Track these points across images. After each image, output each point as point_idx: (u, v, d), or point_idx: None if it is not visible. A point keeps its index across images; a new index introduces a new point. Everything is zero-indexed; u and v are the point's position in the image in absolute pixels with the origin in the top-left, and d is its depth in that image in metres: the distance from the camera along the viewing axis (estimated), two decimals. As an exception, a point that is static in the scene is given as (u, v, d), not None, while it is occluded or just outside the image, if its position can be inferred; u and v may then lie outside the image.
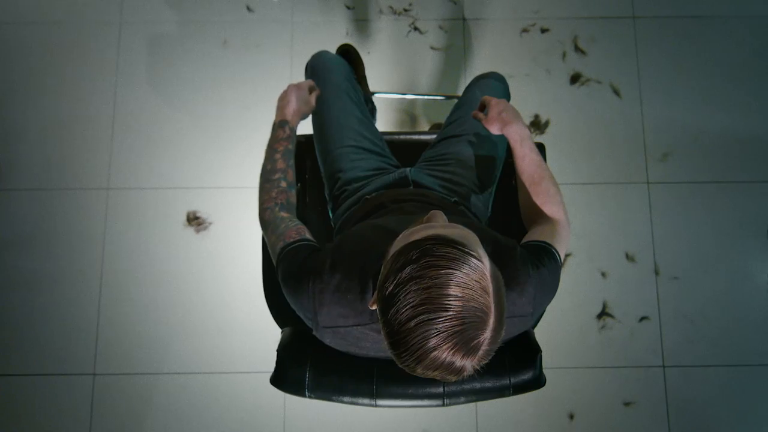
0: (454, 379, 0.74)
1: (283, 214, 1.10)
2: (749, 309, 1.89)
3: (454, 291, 0.70)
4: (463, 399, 0.99)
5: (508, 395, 0.99)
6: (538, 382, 1.01)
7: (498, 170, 1.34)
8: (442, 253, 0.72)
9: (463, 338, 0.70)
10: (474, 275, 0.71)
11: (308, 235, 1.04)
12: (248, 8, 2.08)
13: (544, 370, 1.03)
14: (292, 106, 1.22)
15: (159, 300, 1.88)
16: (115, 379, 1.84)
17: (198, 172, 1.96)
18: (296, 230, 1.05)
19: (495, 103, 1.20)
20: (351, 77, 1.40)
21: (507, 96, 1.41)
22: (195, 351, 1.85)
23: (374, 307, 0.82)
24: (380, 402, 0.99)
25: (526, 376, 1.00)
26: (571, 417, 1.82)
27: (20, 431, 1.82)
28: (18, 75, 2.03)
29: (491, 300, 0.72)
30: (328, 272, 0.94)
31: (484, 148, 1.32)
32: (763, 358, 1.86)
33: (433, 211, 0.85)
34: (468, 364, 0.72)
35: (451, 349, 0.70)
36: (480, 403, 1.82)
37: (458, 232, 0.77)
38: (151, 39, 2.06)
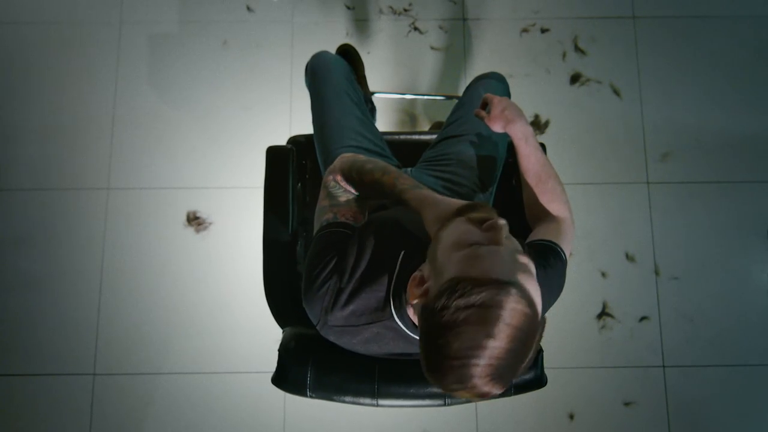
0: (478, 401, 0.77)
1: (343, 189, 1.05)
2: (749, 309, 1.89)
3: (503, 338, 0.71)
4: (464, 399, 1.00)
5: (510, 395, 0.99)
6: (539, 381, 1.01)
7: (499, 170, 1.34)
8: (504, 299, 0.72)
9: (506, 372, 0.73)
10: (525, 323, 0.73)
11: (358, 223, 1.02)
12: (248, 8, 2.08)
13: (544, 370, 1.03)
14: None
15: (159, 300, 1.88)
16: (115, 379, 1.84)
17: (198, 172, 1.96)
18: (349, 207, 1.02)
19: (497, 101, 1.18)
20: (350, 77, 1.40)
21: (507, 95, 1.40)
22: (195, 351, 1.85)
23: (415, 301, 0.81)
24: (382, 402, 0.99)
25: (528, 375, 1.00)
26: (571, 417, 1.82)
27: (20, 431, 1.82)
28: (18, 75, 2.03)
29: (534, 343, 0.74)
30: (349, 273, 0.94)
31: (485, 148, 1.32)
32: (763, 358, 1.86)
33: (496, 218, 0.82)
34: (497, 391, 0.74)
35: (488, 383, 0.72)
36: (480, 403, 1.82)
37: (521, 263, 0.77)
38: (151, 39, 2.06)
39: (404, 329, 0.90)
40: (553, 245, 1.02)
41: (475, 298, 0.72)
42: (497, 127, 1.18)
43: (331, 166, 1.09)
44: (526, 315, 0.72)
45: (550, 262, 0.99)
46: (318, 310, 0.95)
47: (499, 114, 1.18)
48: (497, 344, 0.71)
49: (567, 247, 1.05)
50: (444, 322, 0.72)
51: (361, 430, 1.80)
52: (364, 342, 0.95)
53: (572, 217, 1.12)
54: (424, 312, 0.76)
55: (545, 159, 1.15)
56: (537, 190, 1.13)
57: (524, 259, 0.78)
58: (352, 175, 1.04)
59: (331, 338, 0.97)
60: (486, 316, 0.71)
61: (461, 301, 0.72)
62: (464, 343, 0.71)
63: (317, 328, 0.97)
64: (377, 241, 0.98)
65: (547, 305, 0.98)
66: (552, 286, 0.98)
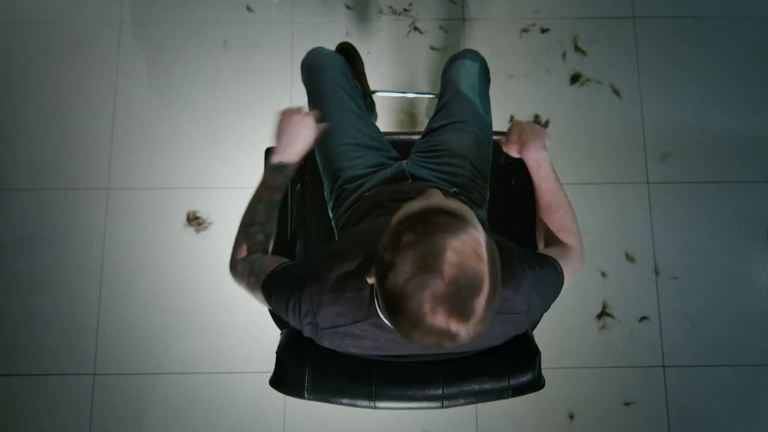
0: (449, 345, 0.75)
1: (255, 256, 1.07)
2: (749, 309, 1.89)
3: (449, 256, 0.72)
4: (462, 401, 0.99)
5: (507, 397, 0.99)
6: (537, 384, 1.00)
7: (489, 151, 1.35)
8: (439, 222, 0.74)
9: (458, 302, 0.72)
10: (469, 242, 0.73)
11: (286, 260, 1.03)
12: (248, 8, 2.08)
13: (544, 371, 1.03)
14: (298, 147, 1.14)
15: (159, 300, 1.88)
16: (115, 379, 1.84)
17: (198, 172, 1.96)
18: (273, 260, 1.03)
19: (516, 125, 1.20)
20: (346, 71, 1.40)
21: (485, 70, 1.40)
22: (195, 351, 1.85)
23: (372, 280, 0.83)
24: (379, 404, 0.99)
25: (525, 378, 1.00)
26: (571, 417, 1.82)
27: (20, 431, 1.82)
28: (18, 75, 2.03)
29: (486, 266, 0.74)
30: (324, 272, 0.94)
31: (471, 132, 1.32)
32: (763, 358, 1.86)
33: (430, 189, 0.85)
34: (462, 330, 0.73)
35: (446, 313, 0.72)
36: (480, 404, 1.82)
37: (456, 205, 0.79)
38: (151, 39, 2.06)
39: (388, 324, 0.90)
40: (553, 260, 1.01)
41: (403, 226, 0.75)
42: (513, 152, 1.19)
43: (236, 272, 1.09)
44: (465, 243, 0.73)
45: (543, 266, 0.99)
46: (310, 318, 0.95)
47: (516, 140, 1.18)
48: (438, 278, 0.71)
49: (568, 271, 1.03)
50: (387, 262, 0.74)
51: (361, 430, 1.81)
52: (357, 340, 0.95)
53: (582, 249, 1.11)
54: (375, 268, 0.78)
55: (557, 189, 1.14)
56: (546, 219, 1.14)
57: (457, 202, 0.80)
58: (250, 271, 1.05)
59: (326, 343, 0.97)
60: (420, 239, 0.73)
61: (394, 234, 0.75)
62: (406, 267, 0.72)
63: (314, 339, 0.97)
64: (357, 244, 0.99)
65: (535, 307, 0.97)
66: (541, 287, 0.97)
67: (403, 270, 0.72)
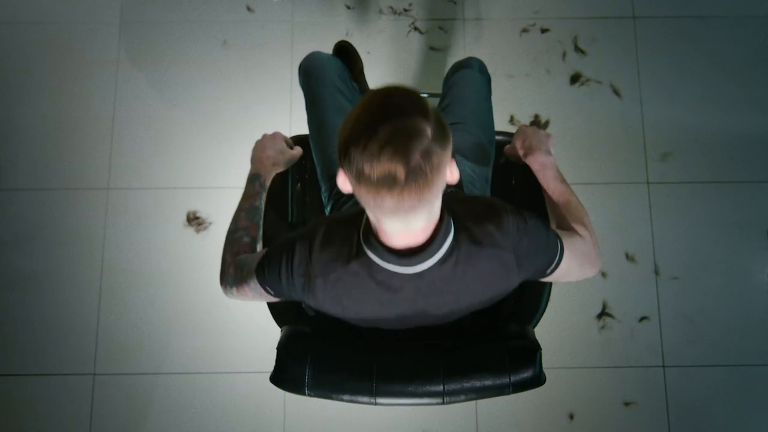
0: (395, 189, 0.77)
1: (243, 256, 1.09)
2: (749, 309, 1.89)
3: (393, 102, 0.78)
4: (462, 397, 0.99)
5: (508, 393, 0.99)
6: (538, 380, 1.00)
7: (491, 154, 1.35)
8: (387, 89, 0.81)
9: (400, 144, 0.76)
10: (413, 95, 0.79)
11: None
12: (248, 8, 2.08)
13: (544, 370, 1.03)
14: (267, 157, 1.24)
15: (159, 300, 1.88)
16: (115, 379, 1.84)
17: (198, 172, 1.96)
18: (262, 250, 1.05)
19: (521, 131, 1.22)
20: (344, 75, 1.41)
21: (487, 78, 1.43)
22: (195, 351, 1.85)
23: (342, 179, 0.85)
24: (380, 400, 0.99)
25: (527, 374, 0.99)
26: (571, 417, 1.82)
27: (20, 431, 1.82)
28: (18, 75, 2.03)
29: (430, 111, 0.78)
30: (316, 227, 0.97)
31: (471, 133, 1.32)
32: (763, 358, 1.86)
33: None
34: (401, 170, 0.76)
35: (388, 154, 0.75)
36: (480, 404, 1.82)
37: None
38: (151, 39, 2.06)
39: (376, 260, 0.90)
40: (544, 222, 1.00)
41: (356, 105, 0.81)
42: (517, 158, 1.20)
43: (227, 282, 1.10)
44: (405, 89, 0.80)
45: (533, 218, 0.97)
46: (300, 274, 0.95)
47: (520, 145, 1.20)
48: (384, 103, 0.78)
49: (570, 248, 1.01)
50: (342, 129, 0.80)
51: (361, 430, 1.80)
52: (348, 290, 0.94)
53: (594, 241, 1.10)
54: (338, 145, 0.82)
55: (564, 190, 1.15)
56: (555, 218, 1.15)
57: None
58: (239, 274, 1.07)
59: (318, 296, 0.96)
60: (367, 100, 0.80)
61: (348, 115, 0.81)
62: (357, 119, 0.78)
63: (306, 299, 0.97)
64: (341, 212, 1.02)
65: (522, 251, 0.95)
66: (528, 232, 0.95)
67: (353, 122, 0.78)
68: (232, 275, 1.07)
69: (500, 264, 0.94)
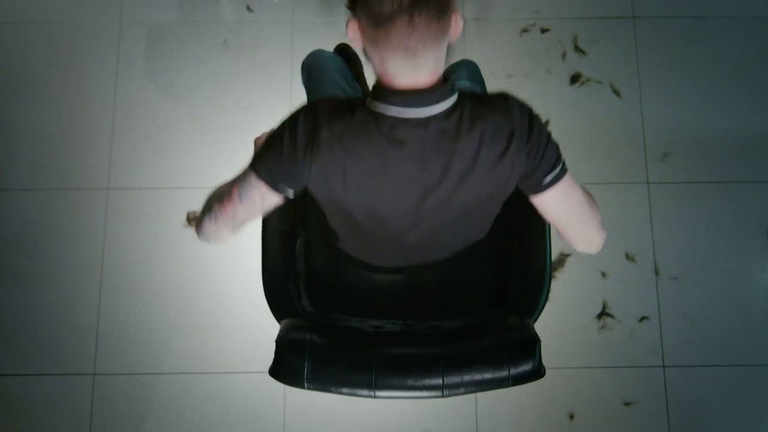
0: (409, 28, 0.81)
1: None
2: (749, 309, 1.89)
3: None
4: (462, 390, 0.99)
5: (508, 386, 0.99)
6: (537, 372, 1.00)
7: None
8: None
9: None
10: None
11: None
12: (248, 8, 2.08)
13: (543, 365, 1.03)
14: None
15: (159, 300, 1.88)
16: (115, 379, 1.84)
17: (198, 172, 1.96)
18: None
19: None
20: (345, 73, 1.41)
21: (481, 82, 1.45)
22: (195, 351, 1.85)
23: (352, 29, 0.89)
24: (379, 393, 0.99)
25: (526, 366, 0.99)
26: (571, 417, 1.82)
27: (20, 431, 1.82)
28: (18, 75, 2.03)
29: None
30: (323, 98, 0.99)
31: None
32: (763, 358, 1.86)
33: None
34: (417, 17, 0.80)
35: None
36: (480, 403, 1.82)
37: None
38: (151, 39, 2.06)
39: (381, 107, 0.91)
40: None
41: None
42: None
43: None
44: None
45: (541, 124, 0.98)
46: (304, 131, 0.93)
47: None
48: None
49: (572, 182, 1.04)
50: None
51: (362, 429, 1.80)
52: (352, 156, 0.92)
53: (599, 210, 1.13)
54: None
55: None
56: None
57: None
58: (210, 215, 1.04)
59: (320, 159, 0.93)
60: None
61: None
62: None
63: (306, 169, 0.94)
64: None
65: (523, 133, 0.95)
66: (533, 119, 0.97)
67: None
68: (207, 212, 1.04)
69: (504, 130, 0.93)
